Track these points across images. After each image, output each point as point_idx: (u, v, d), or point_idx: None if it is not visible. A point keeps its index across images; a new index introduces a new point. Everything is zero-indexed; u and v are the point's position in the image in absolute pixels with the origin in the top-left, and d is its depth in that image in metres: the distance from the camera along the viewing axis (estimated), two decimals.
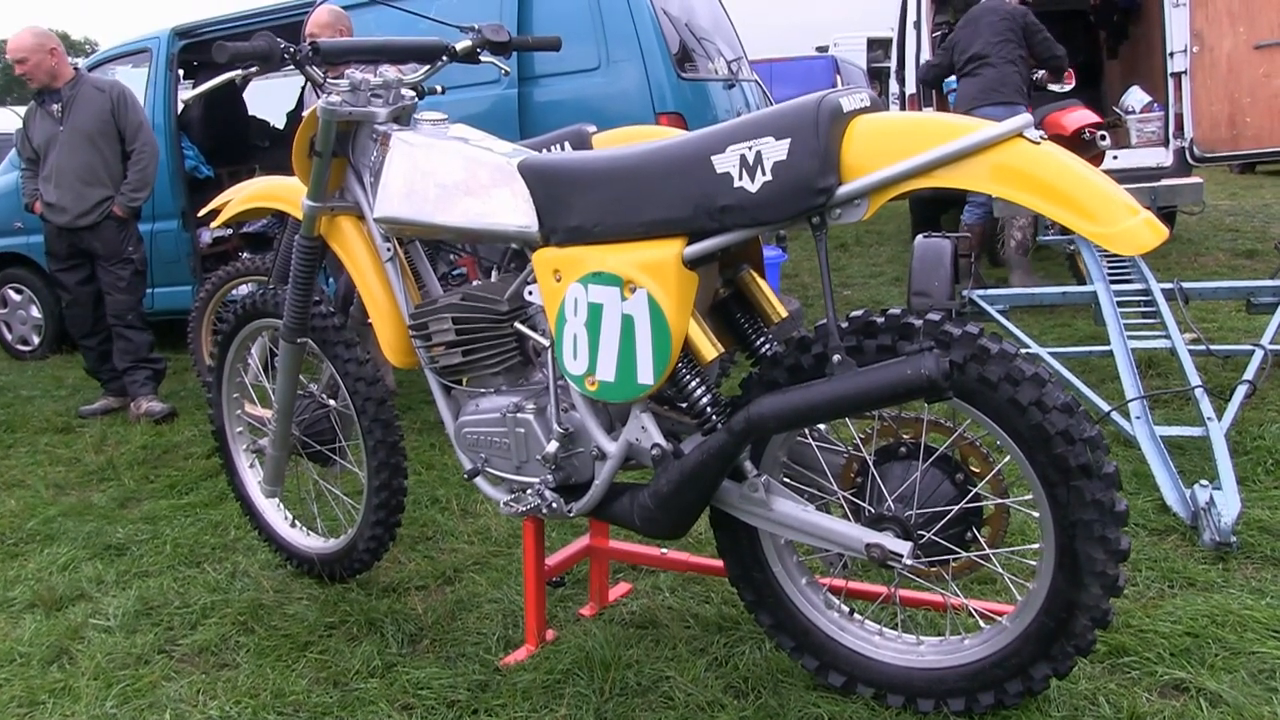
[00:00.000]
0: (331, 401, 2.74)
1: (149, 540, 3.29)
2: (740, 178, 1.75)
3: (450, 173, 2.15)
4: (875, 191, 1.70)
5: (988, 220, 6.15)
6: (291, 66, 2.24)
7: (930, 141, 1.65)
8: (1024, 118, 1.65)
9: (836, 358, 1.78)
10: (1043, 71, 6.06)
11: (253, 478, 2.97)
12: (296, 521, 2.95)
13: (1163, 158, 6.34)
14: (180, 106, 6.31)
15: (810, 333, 1.91)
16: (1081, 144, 5.21)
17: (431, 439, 4.13)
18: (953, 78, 7.12)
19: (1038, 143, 1.63)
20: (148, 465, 4.17)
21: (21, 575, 3.09)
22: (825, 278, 1.82)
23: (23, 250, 6.56)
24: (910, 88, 7.14)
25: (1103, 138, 5.31)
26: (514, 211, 2.06)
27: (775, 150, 1.72)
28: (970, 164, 1.64)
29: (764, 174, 1.73)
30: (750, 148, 1.74)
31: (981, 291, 4.60)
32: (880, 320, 1.83)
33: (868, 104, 1.78)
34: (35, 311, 6.75)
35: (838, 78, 14.81)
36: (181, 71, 6.58)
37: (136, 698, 2.32)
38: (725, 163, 1.76)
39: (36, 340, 6.79)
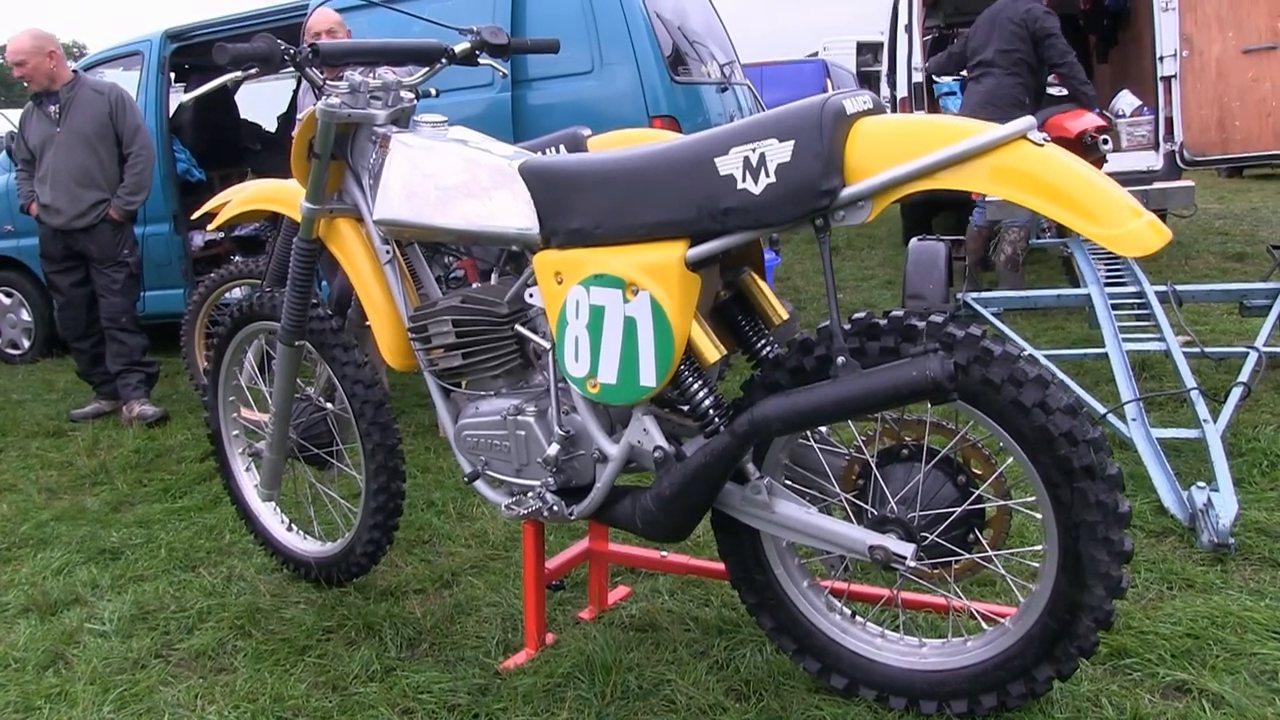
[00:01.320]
0: (329, 405, 2.72)
1: (143, 544, 3.27)
2: (744, 180, 1.75)
3: (451, 175, 2.14)
4: (879, 193, 1.70)
5: (991, 225, 6.14)
6: (287, 69, 2.23)
7: (934, 144, 1.65)
8: (1027, 120, 1.65)
9: (841, 359, 1.77)
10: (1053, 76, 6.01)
11: (249, 481, 2.96)
12: (293, 525, 2.94)
13: (1153, 161, 6.37)
14: (174, 109, 6.28)
15: (812, 335, 1.91)
16: (1083, 148, 5.23)
17: (427, 442, 4.12)
18: (944, 81, 7.15)
19: (1041, 145, 1.63)
20: (141, 469, 4.15)
21: (15, 580, 3.06)
22: (829, 280, 1.82)
23: (13, 254, 6.54)
24: (902, 91, 7.16)
25: (1105, 142, 5.33)
26: (515, 214, 2.06)
27: (779, 152, 1.71)
28: (974, 166, 1.64)
29: (767, 176, 1.73)
30: (754, 149, 1.74)
31: (975, 294, 4.61)
32: (883, 322, 1.83)
33: (870, 106, 1.78)
34: (25, 315, 6.72)
35: (828, 81, 14.84)
36: (173, 74, 6.55)
37: (134, 702, 2.31)
38: (728, 165, 1.76)
39: (26, 344, 6.76)
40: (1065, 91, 5.97)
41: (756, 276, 2.13)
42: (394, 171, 2.23)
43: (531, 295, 2.12)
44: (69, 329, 5.06)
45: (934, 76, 7.07)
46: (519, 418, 2.16)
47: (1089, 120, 5.44)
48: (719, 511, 2.05)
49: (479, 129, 2.40)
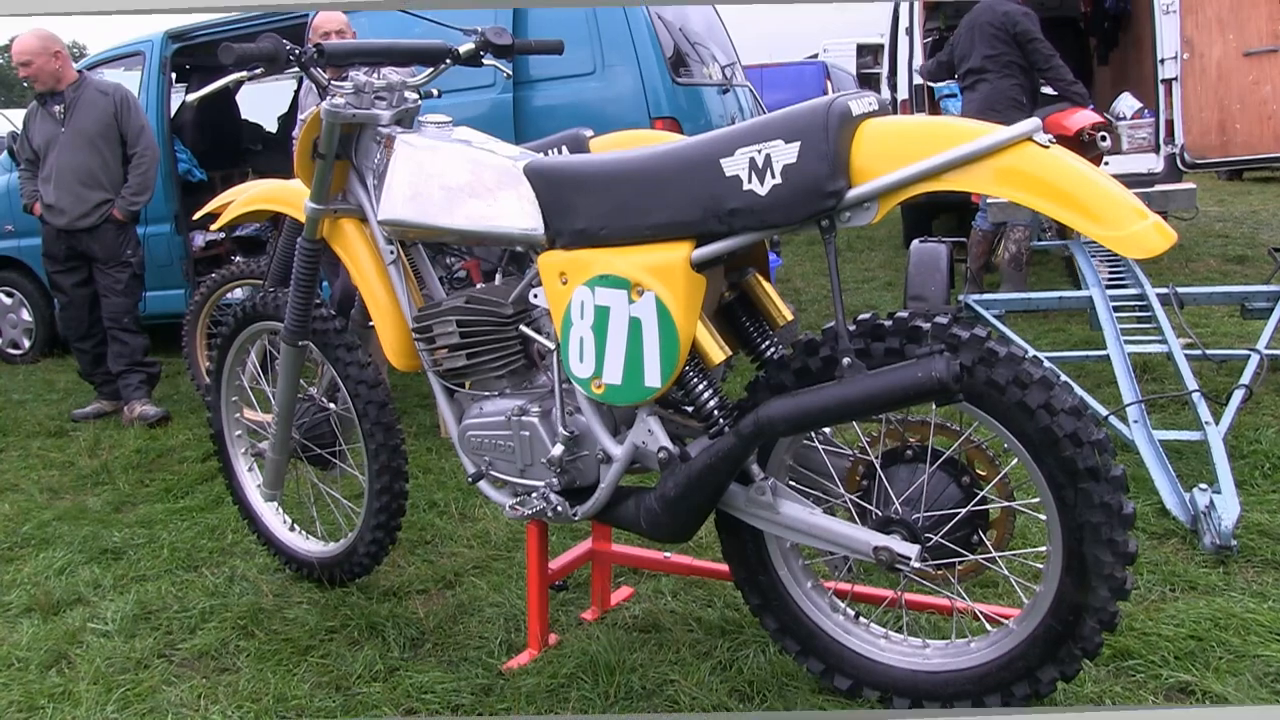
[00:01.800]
0: (331, 405, 2.72)
1: (145, 544, 3.27)
2: (749, 180, 1.75)
3: (455, 175, 2.14)
4: (885, 195, 1.70)
5: (996, 229, 6.12)
6: (290, 69, 2.23)
7: (940, 145, 1.65)
8: (1033, 121, 1.65)
9: (847, 360, 1.78)
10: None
11: (251, 481, 2.96)
12: (295, 525, 2.93)
13: (1154, 164, 6.36)
14: (175, 109, 6.28)
15: (817, 336, 1.91)
16: (1081, 145, 5.22)
17: (428, 443, 4.12)
18: (944, 84, 7.14)
19: (1047, 146, 1.63)
20: (142, 469, 4.15)
21: (17, 579, 3.06)
22: (835, 281, 1.82)
23: (14, 254, 6.54)
24: (903, 93, 7.16)
25: (1103, 139, 5.32)
26: (520, 214, 2.06)
27: (785, 153, 1.72)
28: (980, 167, 1.64)
29: (773, 177, 1.73)
30: (759, 151, 1.74)
31: (977, 296, 4.62)
32: (888, 324, 1.83)
33: (876, 108, 1.78)
34: (26, 315, 6.72)
35: (828, 83, 14.86)
36: (174, 75, 6.55)
37: (137, 702, 2.31)
38: (734, 165, 1.76)
39: (27, 344, 6.76)
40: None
41: (761, 278, 2.13)
42: (398, 172, 2.23)
43: (536, 296, 2.12)
44: (71, 329, 5.05)
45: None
46: (523, 418, 2.16)
47: (1086, 117, 5.42)
48: (723, 512, 2.05)
49: (480, 130, 2.41)
